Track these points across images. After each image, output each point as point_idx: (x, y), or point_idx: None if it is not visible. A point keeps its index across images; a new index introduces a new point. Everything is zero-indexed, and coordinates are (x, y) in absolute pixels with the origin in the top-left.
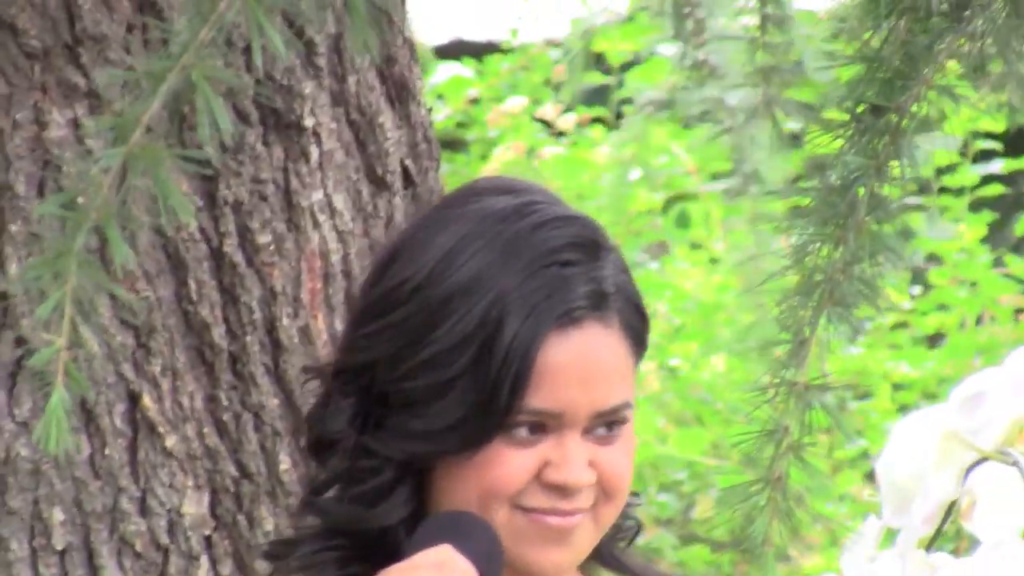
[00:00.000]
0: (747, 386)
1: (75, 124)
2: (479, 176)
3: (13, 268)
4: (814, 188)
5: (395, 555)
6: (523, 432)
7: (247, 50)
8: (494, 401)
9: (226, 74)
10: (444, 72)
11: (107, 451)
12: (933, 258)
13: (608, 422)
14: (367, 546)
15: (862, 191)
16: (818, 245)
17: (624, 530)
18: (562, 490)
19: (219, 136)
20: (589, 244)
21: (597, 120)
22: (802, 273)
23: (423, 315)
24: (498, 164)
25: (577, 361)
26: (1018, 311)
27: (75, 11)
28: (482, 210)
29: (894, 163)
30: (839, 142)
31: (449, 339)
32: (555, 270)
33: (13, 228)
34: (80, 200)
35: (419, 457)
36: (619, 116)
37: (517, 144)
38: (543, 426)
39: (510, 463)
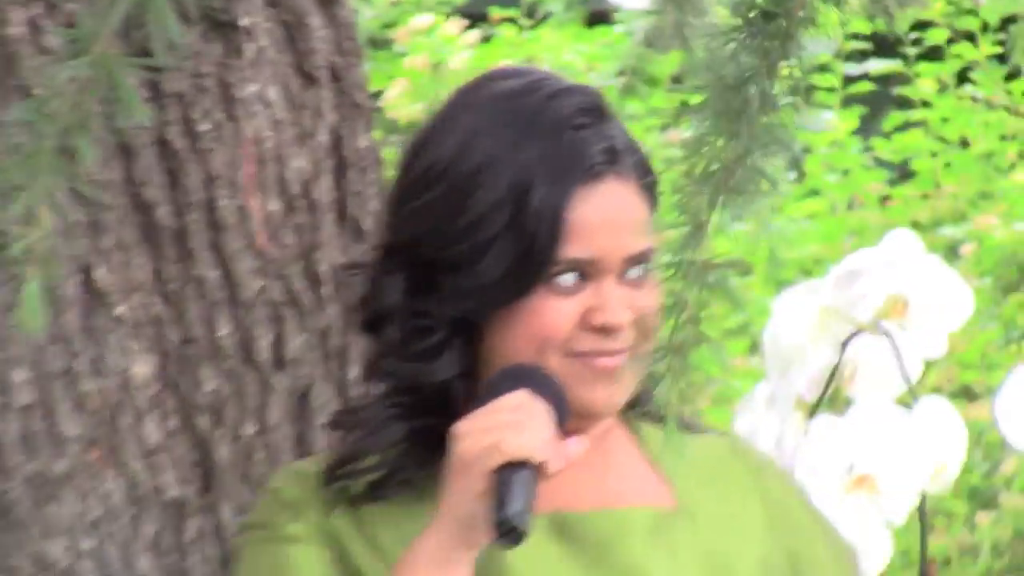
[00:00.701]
0: (644, 267)
1: (33, 25)
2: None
3: None
4: (709, 85)
5: (454, 408)
6: (564, 282)
7: None
8: (532, 254)
9: None
10: None
11: (63, 318)
12: (806, 149)
13: (639, 266)
14: (428, 401)
15: (753, 89)
16: (713, 138)
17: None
18: (605, 331)
19: (168, 40)
20: (596, 109)
21: (509, 20)
22: (699, 163)
23: (458, 187)
24: (407, 74)
25: (604, 212)
26: (884, 198)
27: None
28: (495, 92)
29: (783, 63)
30: (733, 44)
31: (484, 204)
32: (570, 134)
33: None
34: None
35: (472, 311)
36: (530, 16)
37: (423, 57)
38: (581, 275)
39: (556, 311)
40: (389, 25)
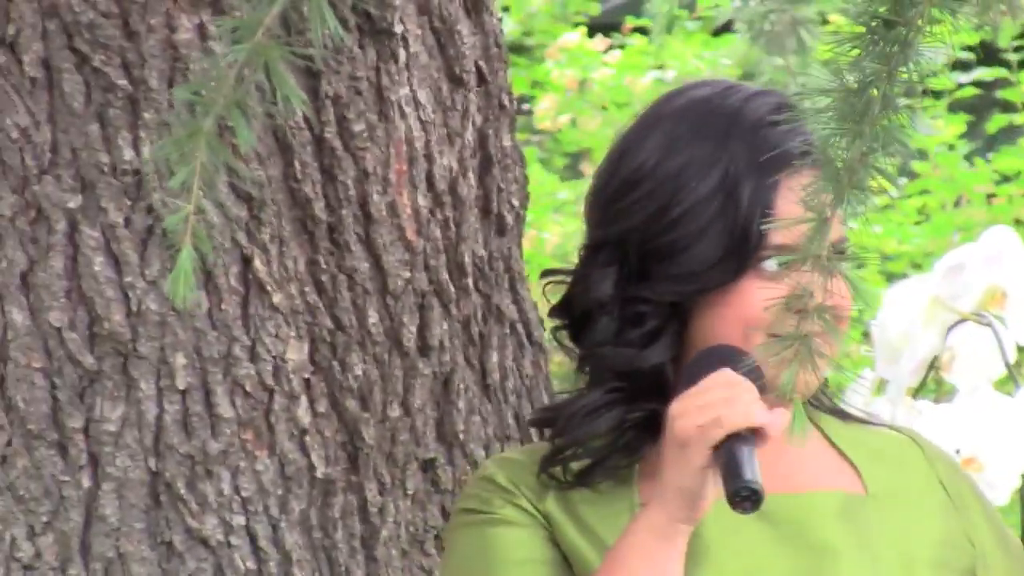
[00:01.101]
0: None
1: (200, 29)
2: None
3: (146, 150)
4: (835, 90)
5: (667, 393)
6: (770, 267)
7: None
8: (745, 240)
9: None
10: None
11: (223, 306)
12: (919, 151)
13: (838, 253)
14: (643, 387)
15: (875, 92)
16: (837, 138)
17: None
18: (828, 312)
19: (327, 38)
20: (786, 107)
21: (640, 30)
22: (825, 162)
23: (666, 184)
24: (555, 88)
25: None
26: (990, 196)
27: None
28: (692, 99)
29: (902, 69)
30: (856, 51)
31: (695, 196)
32: (769, 131)
33: (147, 115)
34: (206, 92)
35: (686, 295)
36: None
37: (571, 74)
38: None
39: (764, 295)
40: (528, 33)
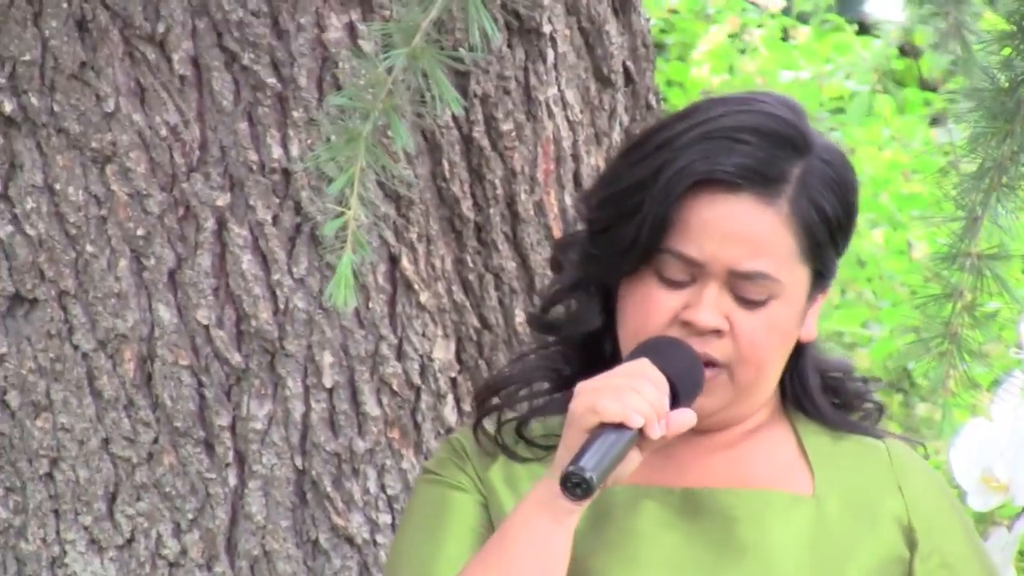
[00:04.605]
0: (932, 256)
1: (350, 28)
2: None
3: (295, 149)
4: (987, 89)
5: (597, 367)
6: (671, 274)
7: None
8: (640, 236)
9: None
10: None
11: (370, 304)
12: None
13: (751, 283)
14: (577, 352)
15: None
16: (987, 137)
17: (866, 411)
18: (692, 328)
19: (484, 40)
20: (779, 138)
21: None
22: (975, 161)
23: (624, 164)
24: (707, 46)
25: (721, 220)
26: None
27: None
28: (713, 98)
29: None
30: (1007, 50)
31: (630, 180)
32: (727, 142)
33: (295, 115)
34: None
35: (595, 276)
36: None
37: (732, 19)
38: (692, 276)
39: (657, 299)
40: (665, 31)
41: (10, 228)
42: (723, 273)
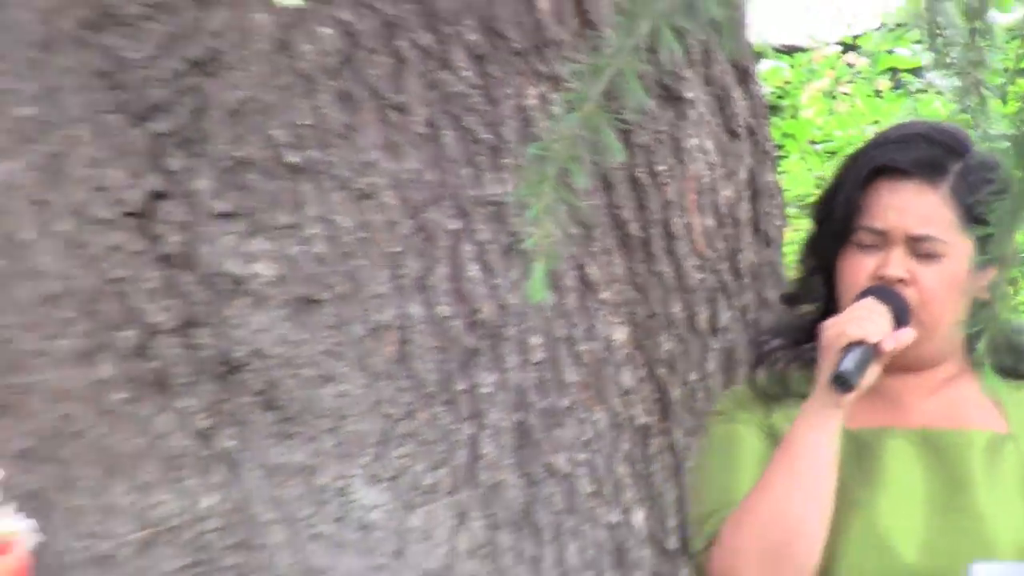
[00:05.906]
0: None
1: (542, 97)
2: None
3: (506, 187)
4: (1013, 135)
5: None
6: (861, 243)
7: (651, 50)
8: (837, 219)
9: (641, 67)
10: (764, 64)
11: (565, 300)
12: None
13: (924, 245)
14: (810, 324)
15: None
16: (1015, 166)
17: None
18: (885, 280)
19: (638, 103)
20: (941, 142)
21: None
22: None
23: (829, 180)
24: (810, 93)
25: (896, 199)
26: None
27: (542, 25)
28: (884, 128)
29: None
30: None
31: (836, 182)
32: (899, 144)
33: (504, 161)
34: (551, 149)
35: (821, 258)
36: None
37: (828, 73)
38: (879, 244)
39: (860, 261)
40: (780, 96)
41: (298, 248)
42: (902, 238)
